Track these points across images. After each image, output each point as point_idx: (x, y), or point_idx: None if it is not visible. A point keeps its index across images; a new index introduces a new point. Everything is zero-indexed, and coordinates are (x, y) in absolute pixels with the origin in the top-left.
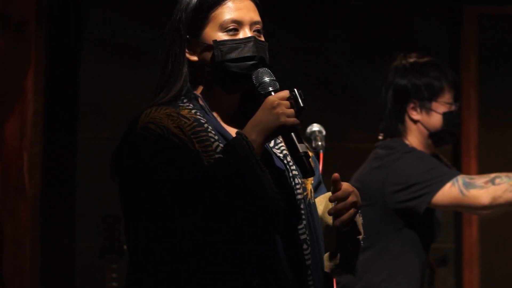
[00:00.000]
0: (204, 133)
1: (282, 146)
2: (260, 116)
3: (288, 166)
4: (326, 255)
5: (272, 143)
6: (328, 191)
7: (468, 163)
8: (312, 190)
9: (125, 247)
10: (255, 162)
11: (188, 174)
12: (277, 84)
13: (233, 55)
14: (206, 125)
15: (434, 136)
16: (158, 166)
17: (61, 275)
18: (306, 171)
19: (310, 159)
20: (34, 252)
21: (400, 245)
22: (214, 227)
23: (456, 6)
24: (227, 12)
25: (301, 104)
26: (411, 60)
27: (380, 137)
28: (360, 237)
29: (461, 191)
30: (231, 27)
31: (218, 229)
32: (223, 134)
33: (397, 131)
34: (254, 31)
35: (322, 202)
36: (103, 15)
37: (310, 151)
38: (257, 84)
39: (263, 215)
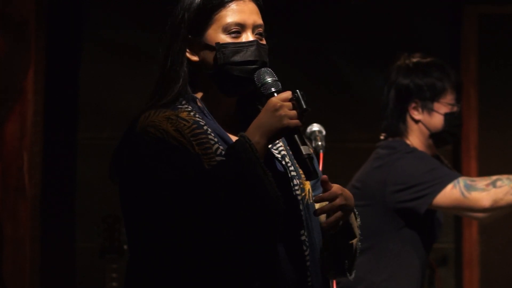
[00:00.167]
0: (203, 136)
1: (281, 146)
2: (263, 118)
3: (286, 167)
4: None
5: (266, 149)
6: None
7: (468, 163)
8: (311, 190)
9: (125, 247)
10: (258, 165)
11: (190, 176)
12: (279, 84)
13: (236, 58)
14: (205, 127)
15: (435, 137)
16: (159, 167)
17: (61, 275)
18: (310, 173)
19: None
20: (34, 252)
21: (400, 245)
22: (216, 229)
23: (456, 6)
24: (230, 15)
25: (304, 106)
26: (415, 60)
27: (382, 137)
28: (355, 240)
29: (462, 193)
30: (234, 30)
31: (220, 230)
32: (222, 137)
33: (398, 130)
34: (256, 34)
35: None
36: (103, 15)
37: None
38: (259, 85)
39: (265, 217)
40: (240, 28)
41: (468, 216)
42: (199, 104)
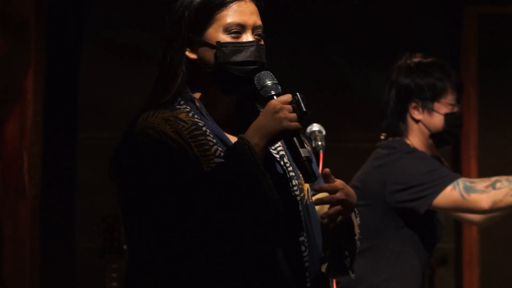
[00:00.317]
0: (202, 137)
1: (279, 147)
2: (263, 121)
3: (285, 168)
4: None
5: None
6: None
7: (468, 163)
8: (309, 190)
9: (125, 247)
10: (257, 167)
11: (188, 177)
12: (279, 87)
13: (235, 58)
14: (204, 128)
15: (435, 137)
16: (158, 169)
17: (61, 275)
18: (309, 176)
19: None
20: (34, 252)
21: (400, 245)
22: (215, 230)
23: (456, 6)
24: (231, 15)
25: (304, 109)
26: (416, 60)
27: (382, 137)
28: (356, 237)
29: (462, 195)
30: (235, 30)
31: (219, 232)
32: (221, 138)
33: (398, 130)
34: (255, 35)
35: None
36: (103, 15)
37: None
38: (259, 87)
39: (264, 220)
40: (241, 28)
41: (466, 221)
42: (197, 104)
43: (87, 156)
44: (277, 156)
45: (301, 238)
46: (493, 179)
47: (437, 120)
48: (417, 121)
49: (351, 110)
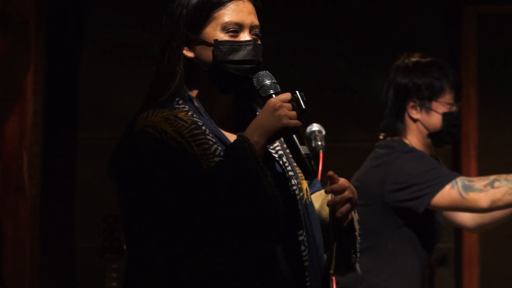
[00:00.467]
0: (202, 136)
1: (277, 146)
2: (262, 118)
3: (284, 167)
4: (327, 256)
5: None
6: (323, 188)
7: (467, 163)
8: (308, 189)
9: (125, 247)
10: (257, 165)
11: (189, 177)
12: (278, 86)
13: (233, 57)
14: (203, 127)
15: (433, 136)
16: (158, 168)
17: (61, 275)
18: (309, 173)
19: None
20: (34, 252)
21: (399, 245)
22: (216, 229)
23: (456, 6)
24: (229, 14)
25: (303, 106)
26: (414, 59)
27: (381, 137)
28: (356, 233)
29: (460, 194)
30: (232, 29)
31: (220, 231)
32: (219, 137)
33: (396, 129)
34: (253, 35)
35: (318, 199)
36: (103, 15)
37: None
38: (258, 87)
39: (264, 217)
40: (238, 27)
41: (458, 225)
42: (195, 104)
43: (87, 156)
44: (276, 155)
45: (301, 238)
46: (492, 178)
47: (435, 120)
48: (415, 120)
49: (351, 110)
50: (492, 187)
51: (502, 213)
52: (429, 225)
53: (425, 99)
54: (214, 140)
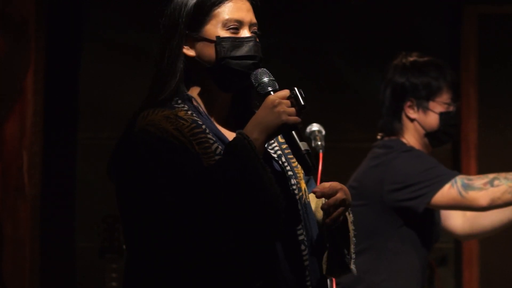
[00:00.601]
0: (203, 135)
1: (276, 146)
2: (261, 115)
3: (283, 167)
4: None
5: (265, 146)
6: None
7: (467, 163)
8: (306, 190)
9: (124, 247)
10: (258, 161)
11: (190, 175)
12: (276, 84)
13: (235, 52)
14: (203, 126)
15: (430, 136)
16: (160, 168)
17: (61, 275)
18: (309, 168)
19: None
20: (34, 252)
21: (399, 244)
22: (217, 228)
23: (456, 6)
24: (229, 11)
25: (302, 103)
26: (411, 59)
27: (379, 137)
28: (350, 234)
29: (460, 193)
30: (233, 26)
31: (221, 229)
32: (219, 136)
33: (393, 129)
34: (252, 32)
35: (313, 200)
36: (103, 15)
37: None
38: (256, 85)
39: (266, 214)
40: (239, 24)
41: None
42: (194, 103)
43: (87, 156)
44: (275, 155)
45: (301, 237)
46: (491, 176)
47: (432, 119)
48: (412, 120)
49: (351, 110)
50: (492, 185)
51: (492, 226)
52: (429, 224)
53: (422, 99)
54: (214, 139)
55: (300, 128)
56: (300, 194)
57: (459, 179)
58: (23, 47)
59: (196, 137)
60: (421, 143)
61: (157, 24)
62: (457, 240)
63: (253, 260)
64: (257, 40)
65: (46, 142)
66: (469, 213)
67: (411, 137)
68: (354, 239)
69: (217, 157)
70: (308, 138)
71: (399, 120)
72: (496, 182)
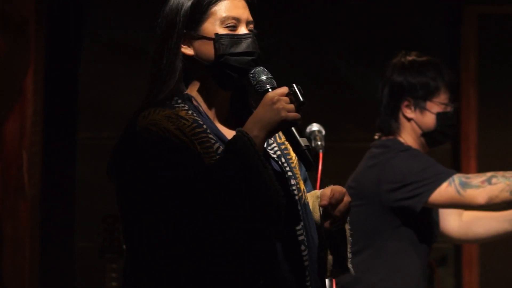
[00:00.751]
0: (204, 135)
1: (275, 147)
2: (261, 113)
3: (283, 167)
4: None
5: (265, 144)
6: (314, 188)
7: (467, 163)
8: (305, 190)
9: (124, 246)
10: (258, 159)
11: (192, 174)
12: (274, 81)
13: (234, 49)
14: (204, 126)
15: (427, 136)
16: (161, 167)
17: (61, 275)
18: (310, 164)
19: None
20: (33, 252)
21: (397, 244)
22: (219, 227)
23: (456, 6)
24: (226, 9)
25: (301, 99)
26: (410, 58)
27: (376, 137)
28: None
29: (458, 191)
30: (231, 24)
31: (222, 229)
32: (219, 136)
33: (391, 128)
34: (249, 30)
35: (309, 200)
36: (103, 15)
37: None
38: (254, 83)
39: (266, 211)
40: (236, 22)
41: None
42: (194, 103)
43: (87, 156)
44: (274, 156)
45: (301, 237)
46: (489, 174)
47: (429, 120)
48: (409, 119)
49: (351, 110)
50: (490, 183)
51: (487, 235)
52: (427, 224)
53: (420, 99)
54: (215, 139)
55: (300, 125)
56: (300, 194)
57: (457, 178)
58: (23, 47)
59: (198, 136)
60: (418, 142)
61: (157, 24)
62: None
63: (253, 260)
64: (255, 37)
65: (46, 142)
66: (466, 218)
67: (408, 137)
68: (350, 239)
69: (218, 157)
70: (308, 138)
71: (396, 119)
72: (494, 180)
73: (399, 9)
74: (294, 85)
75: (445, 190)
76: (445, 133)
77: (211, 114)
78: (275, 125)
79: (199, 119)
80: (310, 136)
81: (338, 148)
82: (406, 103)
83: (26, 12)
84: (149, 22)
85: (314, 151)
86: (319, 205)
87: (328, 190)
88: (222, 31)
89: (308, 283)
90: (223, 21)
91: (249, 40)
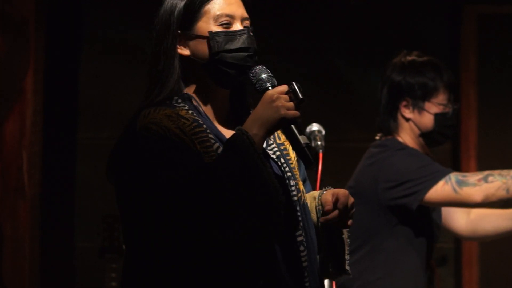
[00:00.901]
0: (204, 134)
1: (275, 147)
2: (260, 111)
3: (282, 168)
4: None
5: (264, 144)
6: (314, 189)
7: (467, 163)
8: (304, 191)
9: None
10: (257, 157)
11: (192, 173)
12: (275, 80)
13: (229, 46)
14: (204, 126)
15: (425, 136)
16: (162, 166)
17: (60, 275)
18: (309, 161)
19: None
20: (33, 251)
21: (395, 243)
22: (219, 226)
23: (456, 6)
24: (220, 7)
25: (300, 96)
26: (410, 58)
27: (377, 137)
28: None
29: (454, 189)
30: (225, 21)
31: (223, 227)
32: (219, 136)
33: (389, 128)
34: (244, 27)
35: (308, 200)
36: (103, 15)
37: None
38: (254, 81)
39: (266, 210)
40: (230, 19)
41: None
42: (194, 103)
43: (86, 156)
44: (274, 156)
45: (300, 238)
46: (486, 172)
47: (427, 120)
48: (407, 119)
49: (351, 110)
50: (486, 181)
51: (495, 232)
52: (425, 223)
53: (418, 99)
54: (215, 138)
55: (300, 123)
56: (299, 195)
57: (453, 176)
58: (23, 47)
59: (198, 136)
60: (416, 142)
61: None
62: (457, 240)
63: (252, 260)
64: (251, 33)
65: (45, 142)
66: (473, 216)
67: (406, 137)
68: (348, 241)
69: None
70: (308, 138)
71: (395, 119)
72: (490, 178)
73: (399, 9)
74: (293, 83)
75: (442, 188)
76: (443, 134)
77: (210, 114)
78: (275, 123)
79: (199, 118)
80: (310, 136)
81: (338, 148)
82: (404, 103)
83: (26, 12)
84: (148, 22)
85: (314, 151)
86: (325, 210)
87: (329, 195)
88: (216, 28)
89: (307, 284)
90: (216, 19)
91: (244, 36)
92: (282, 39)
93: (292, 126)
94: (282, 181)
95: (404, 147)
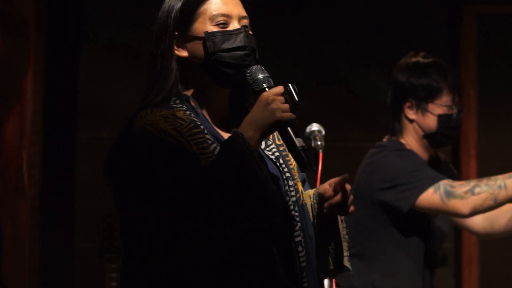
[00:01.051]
0: (201, 135)
1: (274, 148)
2: (256, 113)
3: (281, 169)
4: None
5: (263, 145)
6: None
7: (467, 163)
8: (303, 191)
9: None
10: (252, 159)
11: (188, 175)
12: (271, 80)
13: (225, 45)
14: (202, 127)
15: (429, 138)
16: (158, 168)
17: (60, 275)
18: (305, 165)
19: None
20: (33, 252)
21: (392, 244)
22: (216, 227)
23: (456, 6)
24: (216, 7)
25: (296, 99)
26: (415, 59)
27: (385, 139)
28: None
29: (442, 200)
30: (221, 21)
31: (220, 228)
32: (217, 137)
33: (394, 129)
34: (242, 26)
35: (306, 201)
36: (103, 16)
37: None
38: (251, 81)
39: (263, 212)
40: (227, 18)
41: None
42: (192, 104)
43: (86, 156)
44: (272, 157)
45: (298, 238)
46: (473, 183)
47: (430, 121)
48: (411, 121)
49: (351, 110)
50: (473, 193)
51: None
52: (420, 226)
53: (422, 100)
54: (212, 139)
55: (296, 125)
56: (298, 195)
57: (442, 185)
58: (23, 47)
59: (194, 137)
60: (420, 144)
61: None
62: (457, 240)
63: (250, 261)
64: (250, 33)
65: (45, 142)
66: (489, 212)
67: (410, 138)
68: (346, 237)
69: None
70: (308, 138)
71: (399, 120)
72: (477, 190)
73: (399, 9)
74: (289, 84)
75: (431, 196)
76: (447, 135)
77: (208, 115)
78: (270, 125)
79: (196, 119)
80: (310, 136)
81: (338, 148)
82: (408, 104)
83: (26, 12)
84: (148, 22)
85: (314, 151)
86: (326, 197)
87: (326, 185)
88: (212, 29)
89: (305, 284)
90: (212, 19)
91: (241, 34)
92: (282, 39)
93: (288, 128)
94: (280, 182)
95: (401, 148)
